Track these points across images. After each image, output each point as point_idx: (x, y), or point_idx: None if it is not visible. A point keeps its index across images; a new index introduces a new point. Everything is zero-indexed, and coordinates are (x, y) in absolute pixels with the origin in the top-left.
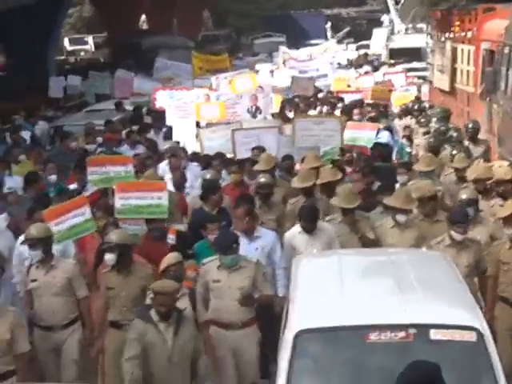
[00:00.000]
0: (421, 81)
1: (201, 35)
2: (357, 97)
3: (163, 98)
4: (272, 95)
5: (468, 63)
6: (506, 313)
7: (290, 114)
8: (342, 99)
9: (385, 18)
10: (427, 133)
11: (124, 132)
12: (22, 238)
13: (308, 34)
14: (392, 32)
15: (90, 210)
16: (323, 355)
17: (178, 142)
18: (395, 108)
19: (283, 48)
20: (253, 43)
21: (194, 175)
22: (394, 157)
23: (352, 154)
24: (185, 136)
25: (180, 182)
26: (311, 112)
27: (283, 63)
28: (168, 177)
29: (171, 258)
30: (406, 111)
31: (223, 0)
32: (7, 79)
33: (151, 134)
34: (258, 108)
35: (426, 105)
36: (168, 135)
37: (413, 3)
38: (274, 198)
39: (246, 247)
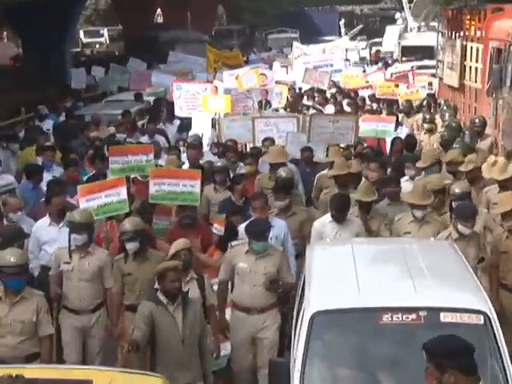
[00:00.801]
0: (432, 78)
1: (214, 30)
2: (368, 92)
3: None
4: (273, 86)
5: (476, 61)
6: (506, 298)
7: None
8: (350, 95)
9: (398, 15)
10: (430, 130)
11: (140, 123)
12: (38, 223)
13: (321, 30)
14: (405, 30)
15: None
16: (338, 335)
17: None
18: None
19: (296, 44)
20: (266, 38)
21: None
22: None
23: (363, 146)
24: (203, 127)
25: None
26: (329, 106)
27: (296, 58)
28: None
29: (182, 243)
30: (417, 107)
31: None
32: (24, 71)
33: (160, 125)
34: (268, 101)
35: (433, 102)
36: (182, 126)
37: (426, 2)
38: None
39: None
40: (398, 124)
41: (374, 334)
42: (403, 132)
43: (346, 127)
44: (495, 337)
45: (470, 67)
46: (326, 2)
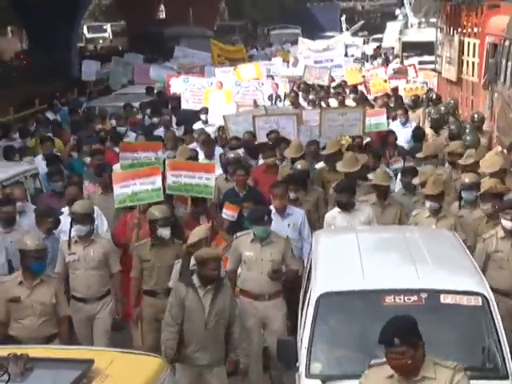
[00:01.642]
0: (432, 73)
1: (216, 25)
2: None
3: (178, 84)
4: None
5: (473, 55)
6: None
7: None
8: (355, 90)
9: (399, 11)
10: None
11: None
12: None
13: (323, 26)
14: (405, 26)
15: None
16: (343, 316)
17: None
18: (405, 99)
19: (302, 39)
20: (269, 34)
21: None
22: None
23: (362, 138)
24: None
25: None
26: (331, 100)
27: (301, 53)
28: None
29: (203, 231)
30: (417, 102)
31: None
32: (31, 65)
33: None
34: (278, 96)
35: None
36: (181, 121)
37: None
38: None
39: (279, 224)
40: (407, 118)
41: (377, 314)
42: (412, 125)
43: (355, 118)
44: (493, 317)
45: (468, 61)
46: None
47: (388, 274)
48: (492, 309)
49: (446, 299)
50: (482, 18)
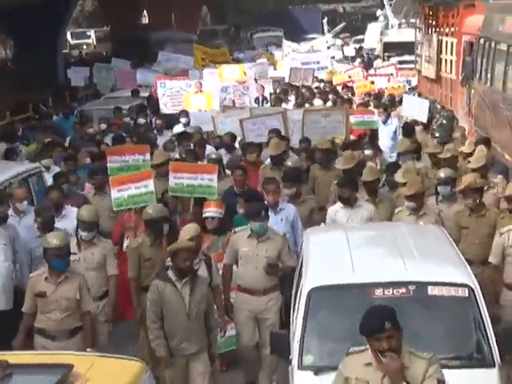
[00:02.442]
0: (412, 72)
1: (199, 30)
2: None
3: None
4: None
5: (451, 54)
6: None
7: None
8: (336, 92)
9: (379, 13)
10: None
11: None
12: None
13: (305, 29)
14: (386, 27)
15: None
16: (334, 309)
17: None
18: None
19: (286, 42)
20: (252, 38)
21: None
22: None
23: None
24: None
25: None
26: (316, 101)
27: (286, 55)
28: None
29: (194, 229)
30: (393, 102)
31: None
32: (17, 72)
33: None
34: (264, 98)
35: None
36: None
37: None
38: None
39: (273, 218)
40: (389, 116)
41: (367, 307)
42: (393, 123)
43: (337, 120)
44: (479, 308)
45: (446, 60)
46: (309, 1)
47: (377, 267)
48: (478, 299)
49: (433, 291)
50: (458, 17)
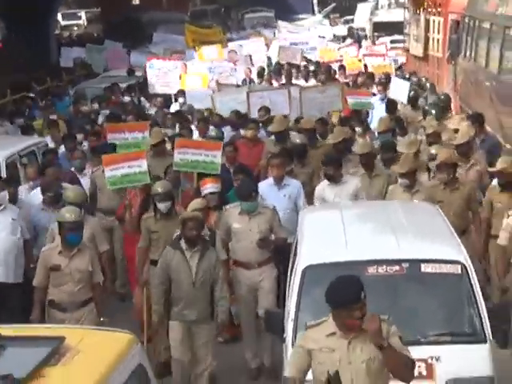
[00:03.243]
0: (401, 51)
1: (190, 11)
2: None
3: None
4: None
5: (438, 32)
6: None
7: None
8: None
9: None
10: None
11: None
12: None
13: (295, 9)
14: (376, 7)
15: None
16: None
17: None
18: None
19: (282, 23)
20: (243, 18)
21: None
22: None
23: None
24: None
25: None
26: (311, 80)
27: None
28: None
29: (199, 203)
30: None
31: None
32: (9, 53)
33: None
34: (251, 80)
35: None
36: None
37: None
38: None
39: (275, 194)
40: (386, 94)
41: None
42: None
43: (334, 94)
44: (471, 284)
45: (433, 38)
46: None
47: (370, 245)
48: (470, 276)
49: (426, 268)
50: None
